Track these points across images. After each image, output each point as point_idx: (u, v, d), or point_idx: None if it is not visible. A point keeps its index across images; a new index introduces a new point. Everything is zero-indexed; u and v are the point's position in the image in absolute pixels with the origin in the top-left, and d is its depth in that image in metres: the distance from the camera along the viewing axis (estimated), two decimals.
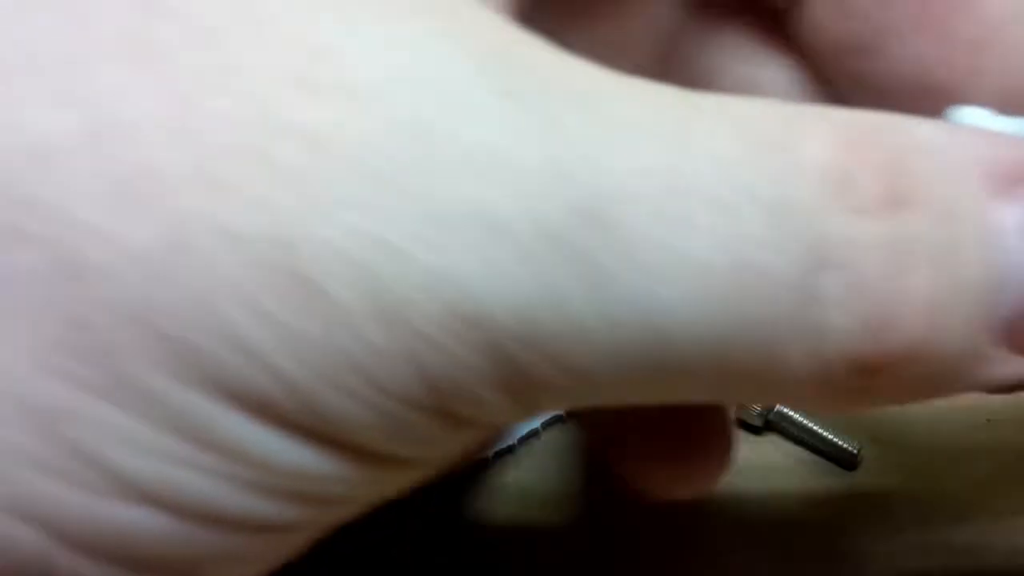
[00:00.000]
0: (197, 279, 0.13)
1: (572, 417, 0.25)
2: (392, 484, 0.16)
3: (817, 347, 0.15)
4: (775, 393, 0.15)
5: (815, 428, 0.26)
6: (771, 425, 0.26)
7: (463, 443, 0.16)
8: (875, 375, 0.15)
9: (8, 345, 0.14)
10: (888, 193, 0.15)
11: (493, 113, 0.14)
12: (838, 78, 0.21)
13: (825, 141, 0.15)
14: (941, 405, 0.26)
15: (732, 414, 0.26)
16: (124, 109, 0.14)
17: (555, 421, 0.26)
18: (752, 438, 0.26)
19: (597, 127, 0.14)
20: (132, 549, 0.15)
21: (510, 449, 0.25)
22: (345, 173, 0.14)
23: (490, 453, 0.25)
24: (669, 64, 0.21)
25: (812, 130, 0.15)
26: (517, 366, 0.14)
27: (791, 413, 0.26)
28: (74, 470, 0.14)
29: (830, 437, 0.25)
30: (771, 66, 0.22)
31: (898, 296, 0.15)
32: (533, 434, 0.26)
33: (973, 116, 0.17)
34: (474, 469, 0.25)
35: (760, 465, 0.24)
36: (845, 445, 0.25)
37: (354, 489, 0.15)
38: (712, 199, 0.14)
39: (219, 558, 0.15)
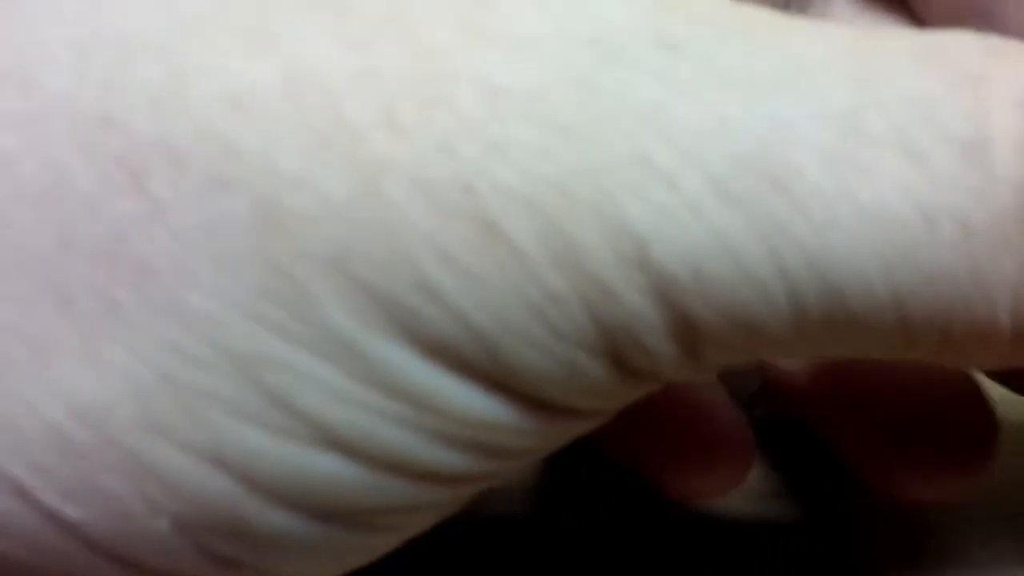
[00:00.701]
0: (391, 227, 0.14)
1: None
2: (566, 436, 0.16)
3: (1021, 299, 0.14)
4: (968, 353, 0.15)
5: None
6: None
7: (634, 396, 0.16)
8: None
9: (212, 291, 0.14)
10: None
11: (655, 67, 0.14)
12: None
13: None
14: None
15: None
16: (315, 58, 0.14)
17: None
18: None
19: (761, 71, 0.14)
20: (322, 498, 0.15)
21: None
22: (522, 121, 0.14)
23: None
24: None
25: (1009, 55, 0.14)
26: (686, 316, 0.14)
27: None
28: (272, 417, 0.14)
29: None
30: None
31: None
32: None
33: None
34: None
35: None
36: None
37: (532, 440, 0.16)
38: (896, 141, 0.14)
39: (403, 508, 0.16)
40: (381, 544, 0.17)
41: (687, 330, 0.14)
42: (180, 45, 0.14)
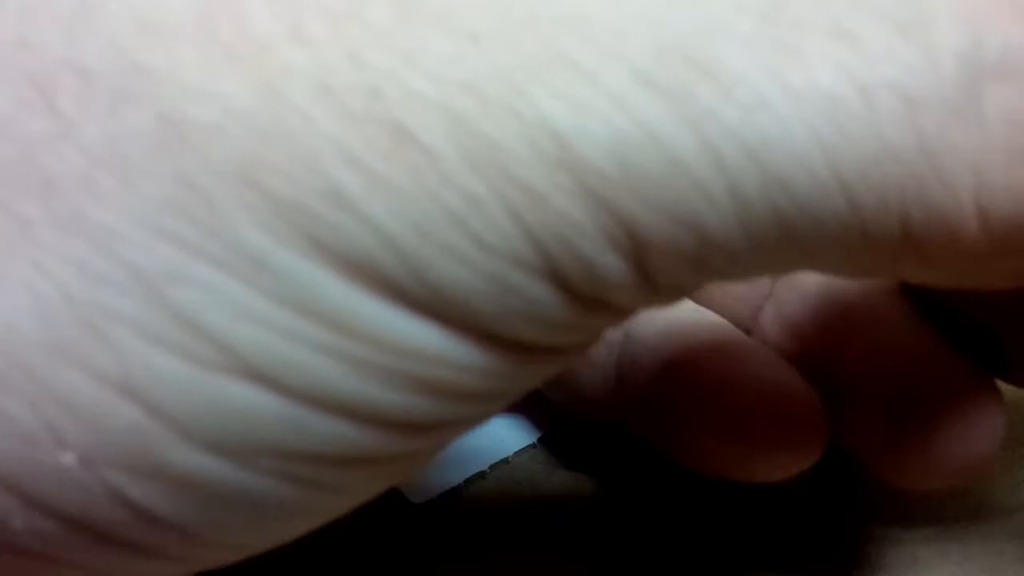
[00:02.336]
0: (297, 135, 0.14)
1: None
2: (528, 377, 0.15)
3: (986, 180, 0.13)
4: (937, 256, 0.14)
5: None
6: None
7: (593, 329, 0.15)
8: None
9: (118, 206, 0.14)
10: None
11: None
12: None
13: None
14: None
15: None
16: None
17: (527, 448, 0.26)
18: None
19: None
20: (238, 434, 0.14)
21: (481, 475, 0.25)
22: (433, 28, 0.14)
23: (461, 480, 0.25)
24: None
25: None
26: (621, 217, 0.14)
27: None
28: (180, 338, 0.14)
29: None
30: None
31: None
32: (503, 461, 0.25)
33: None
34: (446, 495, 0.25)
35: None
36: None
37: (487, 380, 0.15)
38: (825, 24, 0.13)
39: (337, 454, 0.15)
40: (320, 504, 0.16)
41: (627, 236, 0.14)
42: None
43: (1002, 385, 0.21)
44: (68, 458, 0.14)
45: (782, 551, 0.24)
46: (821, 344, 0.22)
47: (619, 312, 0.15)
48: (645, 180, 0.13)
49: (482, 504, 0.24)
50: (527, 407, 0.26)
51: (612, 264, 0.14)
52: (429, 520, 0.24)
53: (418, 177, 0.13)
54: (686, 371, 0.22)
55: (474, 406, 0.15)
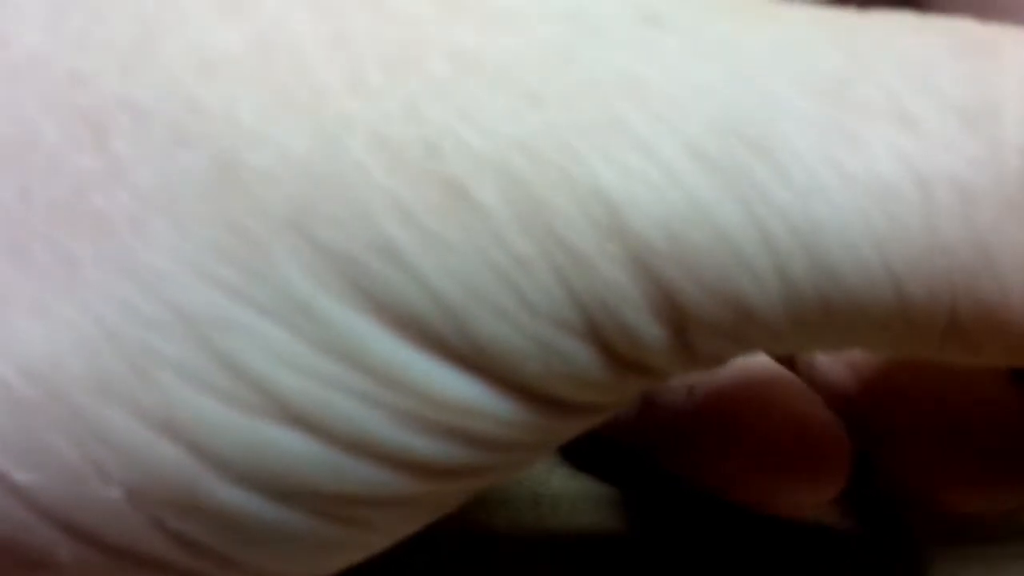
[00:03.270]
0: (351, 185, 0.14)
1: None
2: (564, 430, 0.16)
3: None
4: (979, 341, 0.14)
5: None
6: None
7: (629, 389, 0.15)
8: None
9: (168, 249, 0.14)
10: None
11: (636, 40, 0.14)
12: None
13: None
14: None
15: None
16: (285, 23, 0.14)
17: None
18: None
19: (747, 45, 0.14)
20: (278, 475, 0.14)
21: None
22: (491, 85, 0.14)
23: None
24: None
25: (1015, 33, 0.14)
26: (667, 289, 0.14)
27: None
28: (224, 382, 0.14)
29: None
30: None
31: None
32: None
33: None
34: None
35: None
36: None
37: (520, 432, 0.15)
38: (888, 108, 0.13)
39: (375, 498, 0.15)
40: (355, 541, 0.16)
41: (671, 307, 0.14)
42: (152, 6, 0.14)
43: None
44: (114, 493, 0.14)
45: (780, 548, 0.24)
46: (882, 380, 0.22)
47: (657, 374, 0.15)
48: (693, 254, 0.13)
49: (482, 502, 0.24)
50: None
51: (654, 332, 0.14)
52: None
53: (470, 235, 0.13)
54: (712, 396, 0.22)
55: (511, 455, 0.15)
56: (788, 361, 0.23)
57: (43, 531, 0.14)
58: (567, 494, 0.25)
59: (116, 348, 0.14)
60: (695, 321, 0.14)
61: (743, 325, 0.14)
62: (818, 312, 0.14)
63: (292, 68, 0.14)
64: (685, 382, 0.22)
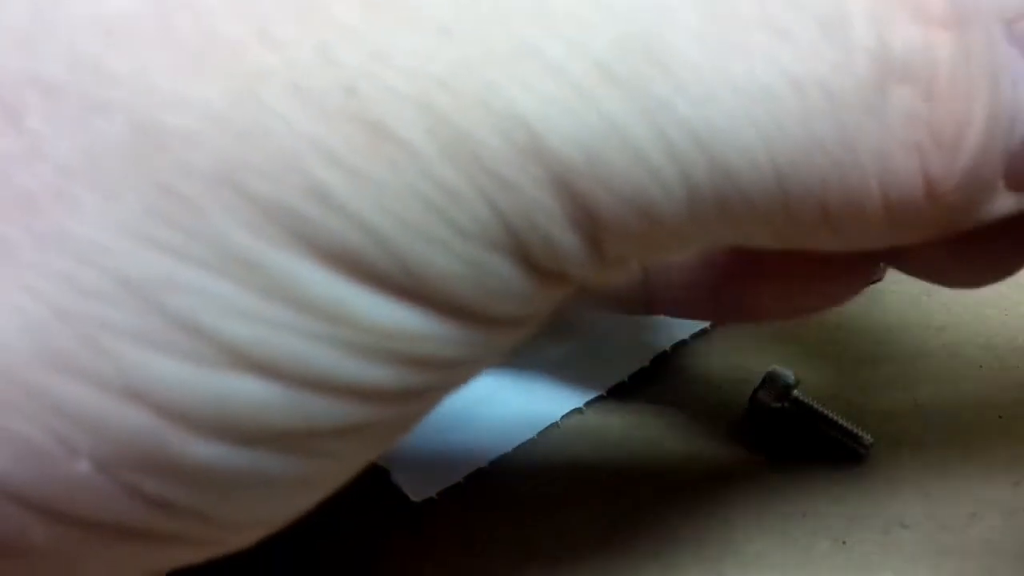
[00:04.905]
0: (275, 135, 0.14)
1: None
2: (493, 346, 0.16)
3: (888, 168, 0.15)
4: (845, 230, 0.16)
5: (830, 417, 0.26)
6: (785, 413, 0.26)
7: (550, 299, 0.16)
8: (940, 199, 0.15)
9: (101, 218, 0.14)
10: (954, 6, 0.15)
11: None
12: None
13: None
14: (952, 400, 0.26)
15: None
16: None
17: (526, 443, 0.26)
18: (759, 431, 0.26)
19: None
20: (243, 422, 0.15)
21: (480, 471, 0.25)
22: (401, 23, 0.14)
23: (461, 477, 0.25)
24: None
25: None
26: (586, 203, 0.14)
27: (806, 402, 0.26)
28: (178, 341, 0.14)
29: (844, 426, 0.25)
30: None
31: (965, 115, 0.15)
32: (501, 458, 0.25)
33: None
34: (447, 492, 0.25)
35: (766, 458, 0.24)
36: (859, 435, 0.25)
37: (457, 350, 0.15)
38: (762, 19, 0.14)
39: (335, 429, 0.15)
40: (323, 474, 0.16)
41: (588, 218, 0.15)
42: None
43: (1002, 392, 0.21)
44: (83, 466, 0.14)
45: (784, 546, 0.24)
46: None
47: (572, 282, 0.16)
48: (607, 168, 0.14)
49: (483, 501, 0.24)
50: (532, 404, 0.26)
51: (573, 242, 0.15)
52: (429, 514, 0.24)
53: (397, 171, 0.14)
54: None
55: (451, 372, 0.16)
56: None
57: (13, 515, 0.14)
58: (566, 491, 0.25)
59: (64, 323, 0.14)
60: (610, 230, 0.15)
61: (652, 229, 0.15)
62: (715, 211, 0.15)
63: (198, 27, 0.14)
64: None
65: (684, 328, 0.27)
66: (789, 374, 0.26)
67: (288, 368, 0.14)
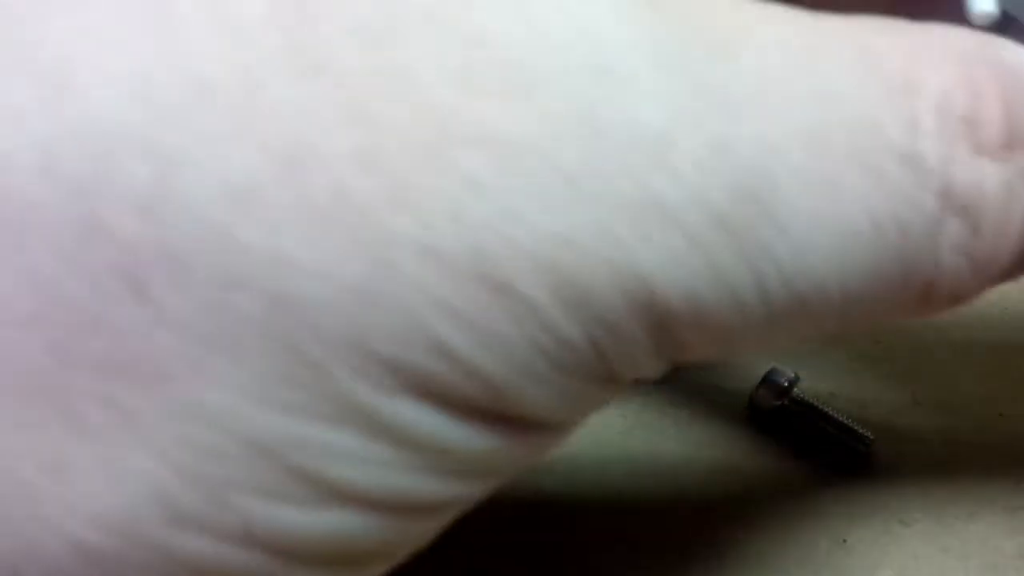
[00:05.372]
0: (404, 299, 0.14)
1: None
2: (550, 448, 0.17)
3: (931, 282, 0.16)
4: (879, 318, 0.16)
5: (829, 415, 0.26)
6: (785, 411, 0.26)
7: (608, 400, 0.16)
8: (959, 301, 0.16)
9: (231, 384, 0.14)
10: (1010, 131, 0.15)
11: (649, 85, 0.14)
12: None
13: (948, 74, 0.15)
14: (952, 399, 0.26)
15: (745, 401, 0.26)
16: (309, 134, 0.13)
17: None
18: (758, 430, 0.26)
19: (741, 83, 0.14)
20: (338, 550, 0.15)
21: None
22: (523, 176, 0.14)
23: None
24: None
25: (933, 60, 0.15)
26: (675, 337, 0.15)
27: (807, 399, 0.26)
28: (297, 491, 0.14)
29: (845, 423, 0.25)
30: None
31: (1006, 238, 0.16)
32: None
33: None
34: None
35: (767, 456, 0.24)
36: (859, 431, 0.25)
37: (520, 459, 0.16)
38: (852, 154, 0.15)
39: (414, 541, 0.16)
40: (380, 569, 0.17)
41: (674, 347, 0.15)
42: (163, 135, 0.13)
43: (1003, 390, 0.21)
44: None
45: (782, 544, 0.24)
46: None
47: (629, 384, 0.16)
48: (704, 308, 0.15)
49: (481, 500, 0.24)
50: None
51: (653, 364, 0.15)
52: None
53: (518, 325, 0.14)
54: None
55: (504, 478, 0.17)
56: None
57: None
58: (566, 489, 0.25)
59: (189, 485, 0.14)
60: (689, 350, 0.15)
61: (720, 350, 0.16)
62: (784, 332, 0.16)
63: (326, 186, 0.13)
64: None
65: None
66: (789, 373, 0.26)
67: (383, 499, 0.15)
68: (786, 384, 0.26)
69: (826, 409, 0.26)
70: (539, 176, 0.14)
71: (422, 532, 0.16)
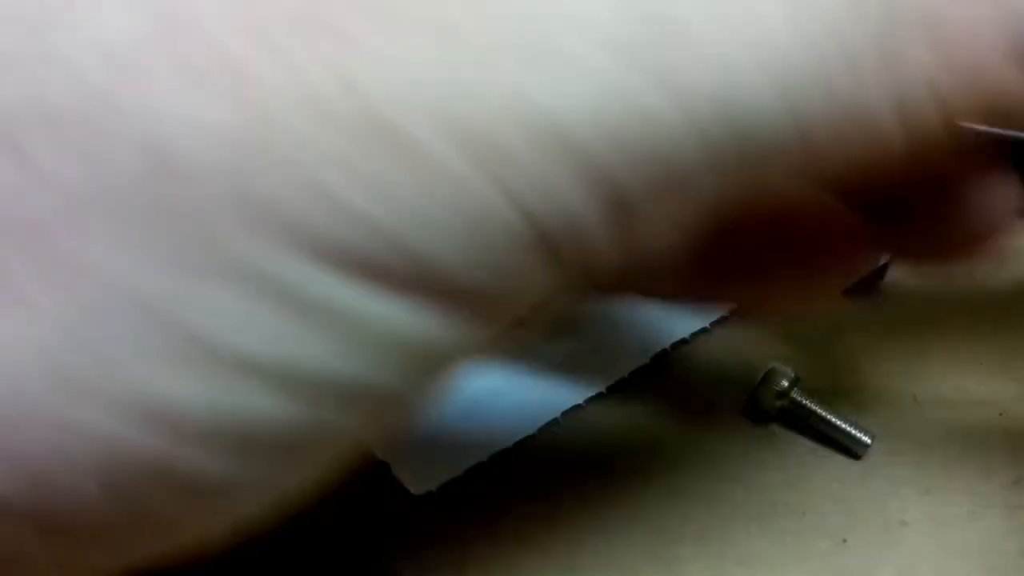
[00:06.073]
0: (284, 145, 0.14)
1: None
2: (490, 338, 0.16)
3: (904, 100, 0.15)
4: (867, 160, 0.16)
5: (829, 416, 0.26)
6: (785, 412, 0.26)
7: (562, 290, 0.16)
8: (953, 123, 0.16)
9: (114, 243, 0.14)
10: None
11: None
12: None
13: None
14: (952, 398, 0.26)
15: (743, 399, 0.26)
16: (183, 4, 0.14)
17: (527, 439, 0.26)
18: (759, 430, 0.26)
19: None
20: (250, 433, 0.15)
21: (480, 465, 0.25)
22: (406, 30, 0.14)
23: (461, 471, 0.25)
24: None
25: None
26: (608, 179, 0.14)
27: (806, 401, 0.26)
28: (188, 355, 0.14)
29: (844, 425, 0.25)
30: None
31: (974, 34, 0.16)
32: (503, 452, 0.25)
33: None
34: (446, 486, 0.25)
35: (767, 456, 0.24)
36: (859, 434, 0.25)
37: (460, 349, 0.15)
38: None
39: (337, 432, 0.15)
40: (311, 477, 0.16)
41: (614, 197, 0.15)
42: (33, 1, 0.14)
43: (1002, 389, 0.21)
44: (90, 487, 0.14)
45: (784, 545, 0.24)
46: None
47: (592, 274, 0.16)
48: (629, 143, 0.14)
49: (482, 496, 0.24)
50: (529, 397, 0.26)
51: (597, 226, 0.15)
52: (429, 508, 0.24)
53: (414, 173, 0.14)
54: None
55: (445, 368, 0.16)
56: None
57: (15, 533, 0.14)
58: (563, 488, 0.25)
59: (77, 348, 0.14)
60: (635, 205, 0.15)
61: (674, 196, 0.15)
62: (735, 162, 0.15)
63: (203, 46, 0.14)
64: None
65: (685, 326, 0.27)
66: (789, 373, 0.26)
67: (290, 373, 0.14)
68: (786, 384, 0.26)
69: (825, 410, 0.26)
70: (416, 26, 0.14)
71: (361, 425, 0.16)
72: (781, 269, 0.22)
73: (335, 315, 0.14)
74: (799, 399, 0.26)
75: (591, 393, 0.26)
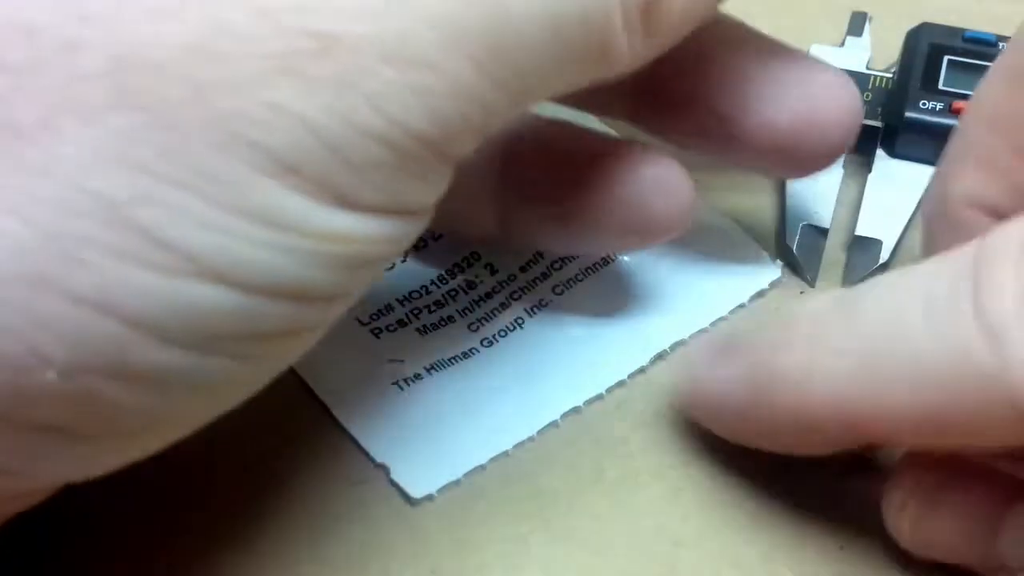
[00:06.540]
0: (238, 54, 0.15)
1: None
2: (407, 239, 0.19)
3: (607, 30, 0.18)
4: (599, 64, 0.19)
5: None
6: None
7: (443, 187, 0.18)
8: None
9: (79, 142, 0.15)
10: None
11: None
12: None
13: None
14: None
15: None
16: None
17: (526, 441, 0.26)
18: None
19: None
20: (199, 328, 0.16)
21: (480, 468, 0.25)
22: None
23: (461, 475, 0.25)
24: None
25: None
26: (496, 77, 0.17)
27: None
28: (147, 253, 0.15)
29: None
30: None
31: None
32: (503, 455, 0.25)
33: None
34: (445, 489, 0.25)
35: (766, 458, 0.24)
36: None
37: (380, 248, 0.18)
38: None
39: (279, 332, 0.17)
40: (257, 377, 0.18)
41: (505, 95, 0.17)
42: None
43: None
44: (51, 375, 0.15)
45: (784, 547, 0.24)
46: None
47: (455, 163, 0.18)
48: (516, 42, 0.17)
49: (481, 499, 0.24)
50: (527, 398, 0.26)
51: (491, 99, 0.17)
52: (427, 511, 0.24)
53: (343, 73, 0.16)
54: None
55: (370, 271, 0.18)
56: None
57: None
58: (563, 486, 0.25)
59: (43, 241, 0.15)
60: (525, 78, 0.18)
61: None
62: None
63: None
64: None
65: (684, 328, 0.27)
66: None
67: (244, 275, 0.16)
68: None
69: None
70: None
71: (296, 324, 0.17)
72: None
73: (278, 220, 0.16)
74: None
75: (590, 396, 0.26)
